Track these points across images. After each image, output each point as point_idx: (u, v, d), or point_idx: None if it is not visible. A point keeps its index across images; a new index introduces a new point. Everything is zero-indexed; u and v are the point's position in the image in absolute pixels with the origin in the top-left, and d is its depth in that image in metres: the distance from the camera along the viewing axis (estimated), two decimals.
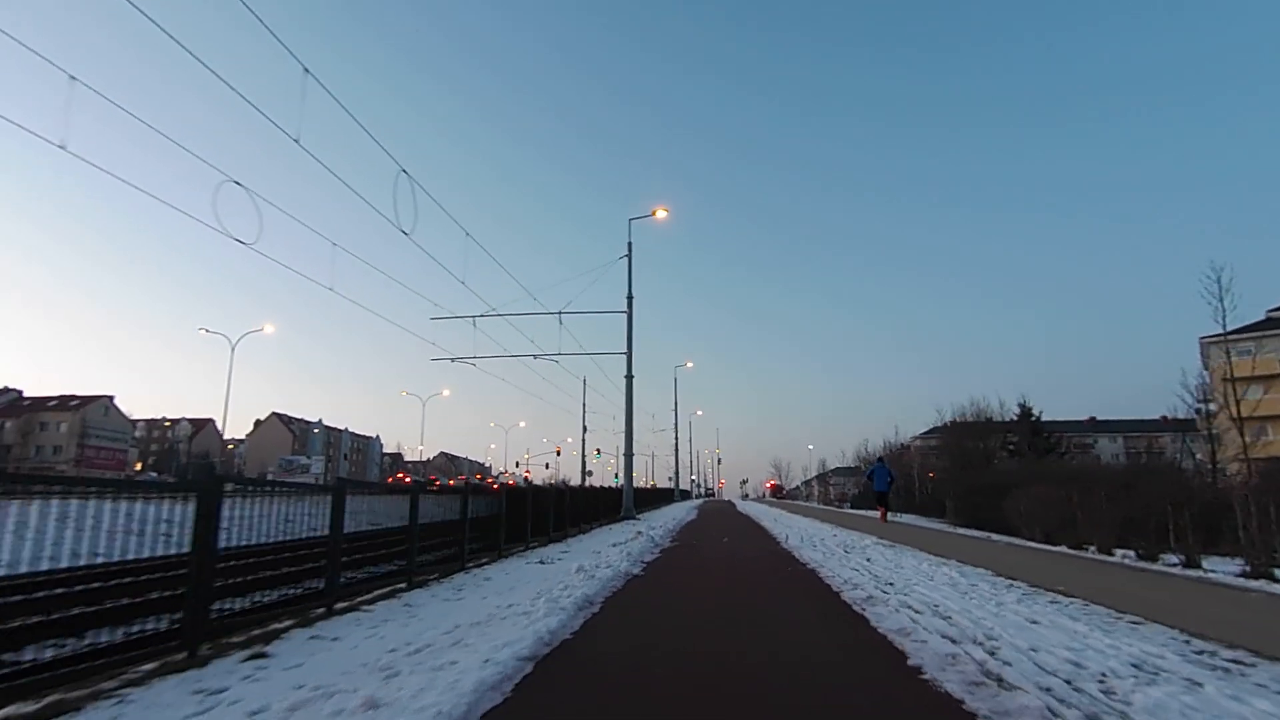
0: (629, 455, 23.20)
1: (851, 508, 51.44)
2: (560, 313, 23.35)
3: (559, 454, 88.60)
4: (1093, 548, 10.31)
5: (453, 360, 24.02)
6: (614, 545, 11.82)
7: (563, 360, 24.80)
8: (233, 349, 43.88)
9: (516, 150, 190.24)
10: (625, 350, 23.38)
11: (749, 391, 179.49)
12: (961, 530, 19.02)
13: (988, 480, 29.80)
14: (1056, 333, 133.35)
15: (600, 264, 23.39)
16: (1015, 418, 37.11)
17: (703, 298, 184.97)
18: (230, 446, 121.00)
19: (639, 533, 13.15)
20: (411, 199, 11.81)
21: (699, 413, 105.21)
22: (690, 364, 55.31)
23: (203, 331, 47.32)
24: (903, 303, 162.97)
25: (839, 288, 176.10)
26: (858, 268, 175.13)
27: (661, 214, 23.88)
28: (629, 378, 23.27)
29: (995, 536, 12.79)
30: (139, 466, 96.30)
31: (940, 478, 41.98)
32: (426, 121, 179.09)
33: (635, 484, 35.75)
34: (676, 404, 52.67)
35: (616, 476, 79.41)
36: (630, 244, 24.01)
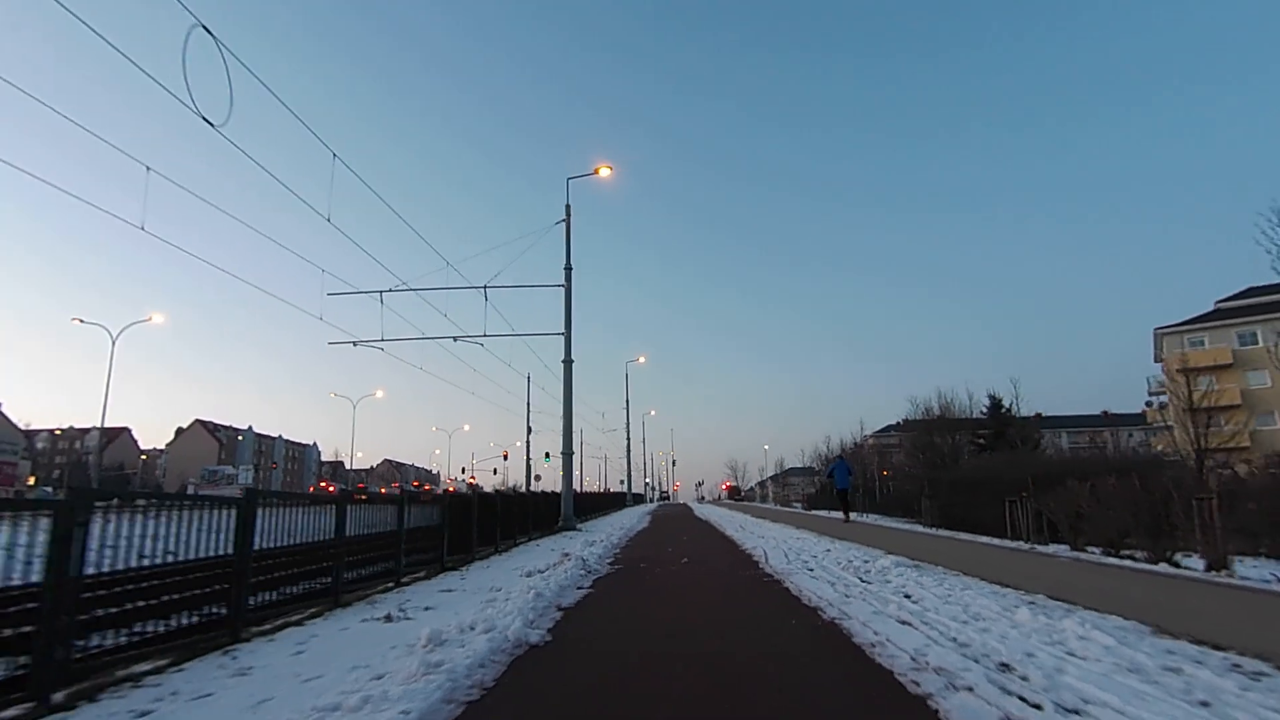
0: (568, 454, 19.56)
1: (808, 508, 49.13)
2: (486, 287, 19.65)
3: (506, 458, 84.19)
4: (1200, 561, 7.34)
5: (355, 344, 19.98)
6: (527, 575, 8.24)
7: (497, 347, 21.07)
8: (114, 342, 38.29)
9: (434, 129, 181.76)
10: (563, 330, 19.78)
11: (704, 393, 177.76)
12: (963, 536, 16.18)
13: (969, 476, 27.44)
14: (1004, 332, 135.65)
15: (530, 240, 19.97)
16: (985, 411, 35.09)
17: (655, 299, 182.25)
18: (144, 458, 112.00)
19: (566, 554, 9.58)
20: (222, 70, 7.97)
21: (652, 413, 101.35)
22: (643, 359, 51.96)
23: (77, 322, 41.18)
24: (858, 303, 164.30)
25: (795, 289, 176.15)
26: (813, 269, 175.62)
27: (605, 172, 20.43)
28: (567, 362, 19.65)
29: (1042, 548, 9.75)
30: (31, 481, 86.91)
31: (908, 475, 39.83)
32: (329, 90, 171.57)
33: (585, 488, 31.92)
34: (628, 401, 49.25)
35: None
36: (569, 206, 20.46)
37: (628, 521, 22.16)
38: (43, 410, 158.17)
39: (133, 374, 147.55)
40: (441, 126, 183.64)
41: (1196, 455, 26.86)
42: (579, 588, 7.41)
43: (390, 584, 7.95)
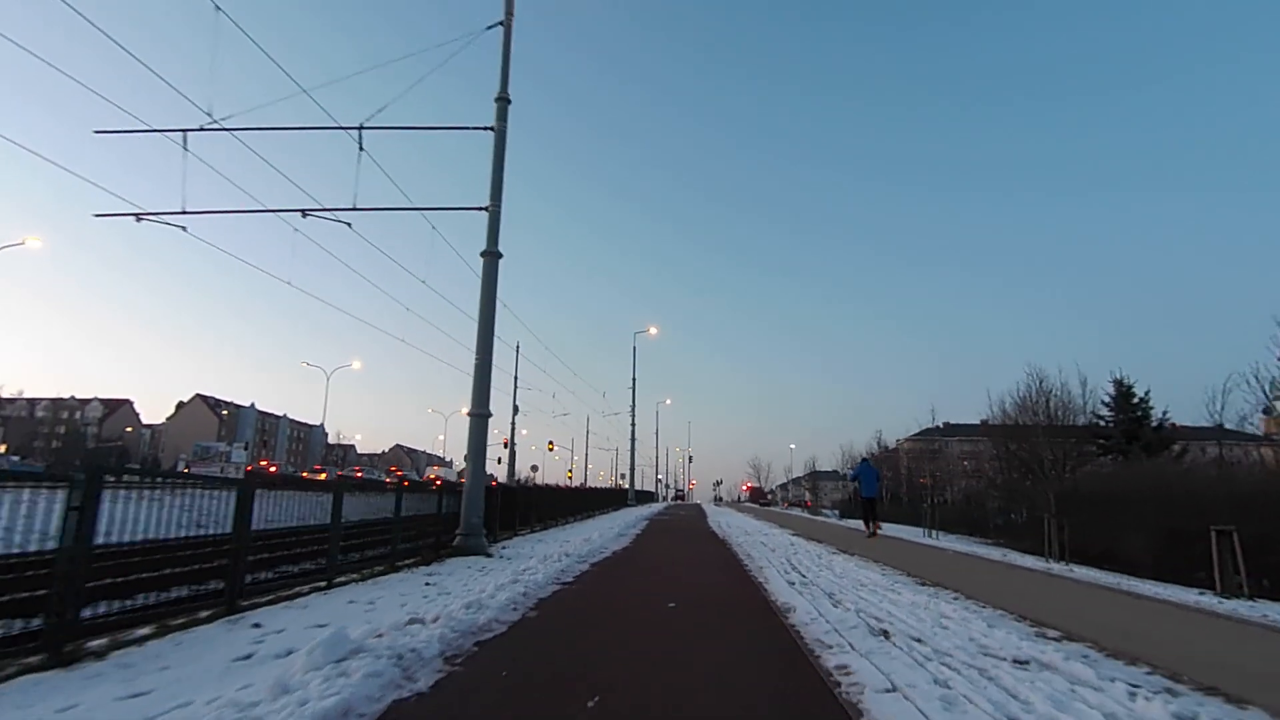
0: (479, 416, 11.13)
1: (841, 517, 40.76)
2: (361, 128, 11.39)
3: (506, 445, 76.82)
4: None
5: (138, 218, 11.80)
6: None
7: (390, 236, 12.86)
8: None
9: None
10: (489, 203, 11.38)
11: (729, 382, 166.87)
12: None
13: (1102, 490, 18.92)
14: (1101, 328, 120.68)
15: (445, 53, 11.98)
16: (1108, 402, 25.95)
17: (677, 279, 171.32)
18: (129, 430, 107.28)
19: None
20: None
21: (668, 402, 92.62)
22: (654, 330, 43.50)
23: None
24: (908, 295, 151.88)
25: (839, 276, 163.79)
26: (861, 257, 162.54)
27: None
28: (490, 254, 11.25)
29: None
30: (2, 449, 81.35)
31: (987, 484, 30.96)
32: None
33: (594, 484, 23.49)
34: (634, 379, 40.86)
35: (569, 474, 66.94)
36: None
37: (602, 536, 13.77)
38: (42, 381, 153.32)
39: (135, 350, 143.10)
40: None
41: None
42: None
43: None
